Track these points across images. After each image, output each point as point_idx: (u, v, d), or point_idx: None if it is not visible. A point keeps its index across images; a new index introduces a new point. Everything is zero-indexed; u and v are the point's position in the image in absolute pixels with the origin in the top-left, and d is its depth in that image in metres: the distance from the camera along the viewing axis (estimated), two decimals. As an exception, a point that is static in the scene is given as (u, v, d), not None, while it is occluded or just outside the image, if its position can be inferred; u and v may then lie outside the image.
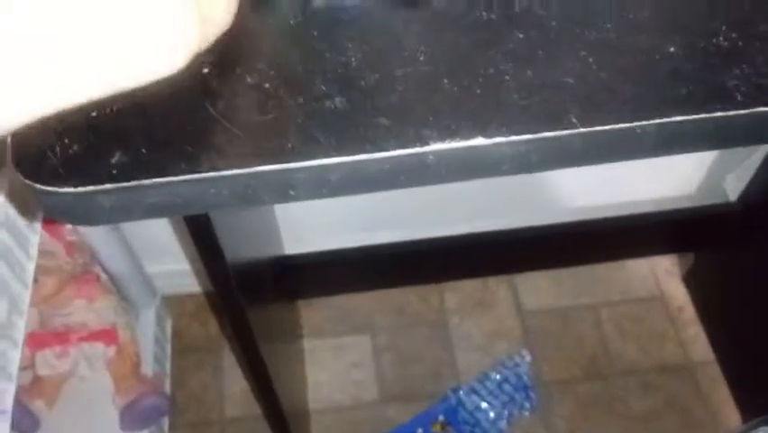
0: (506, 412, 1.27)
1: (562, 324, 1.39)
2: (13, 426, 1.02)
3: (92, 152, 0.30)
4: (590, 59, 0.32)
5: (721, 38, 0.33)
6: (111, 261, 1.22)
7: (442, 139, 0.31)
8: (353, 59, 0.32)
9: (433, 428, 1.27)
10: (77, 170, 0.30)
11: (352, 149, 0.30)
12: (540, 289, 1.43)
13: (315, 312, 1.39)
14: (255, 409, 1.30)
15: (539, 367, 1.34)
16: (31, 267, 0.86)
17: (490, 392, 1.28)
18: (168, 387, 1.29)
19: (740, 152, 1.24)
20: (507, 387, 1.29)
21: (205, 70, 0.31)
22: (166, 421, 1.27)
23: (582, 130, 0.31)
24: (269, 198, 0.31)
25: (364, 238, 1.30)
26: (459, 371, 1.35)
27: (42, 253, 1.10)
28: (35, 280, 1.08)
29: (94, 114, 0.30)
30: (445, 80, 0.32)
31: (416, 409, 1.30)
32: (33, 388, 1.19)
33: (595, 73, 0.32)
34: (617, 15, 0.34)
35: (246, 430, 1.29)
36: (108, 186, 0.30)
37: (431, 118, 0.31)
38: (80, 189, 0.30)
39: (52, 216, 0.31)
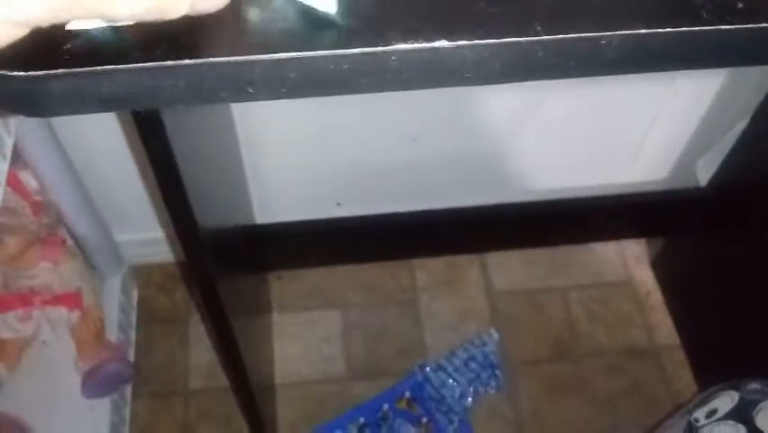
0: (471, 390, 1.27)
1: (530, 305, 1.40)
2: (-28, 388, 1.01)
3: (46, 39, 0.29)
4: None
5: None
6: (78, 224, 1.20)
7: (405, 40, 0.30)
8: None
9: (398, 405, 1.27)
10: (29, 56, 0.29)
11: (312, 46, 0.30)
12: (510, 270, 1.43)
13: (285, 286, 1.38)
14: (220, 382, 1.29)
15: (507, 347, 1.35)
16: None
17: (457, 369, 1.28)
18: (132, 356, 1.28)
19: (712, 135, 1.26)
20: (473, 365, 1.29)
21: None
22: (129, 390, 1.25)
23: (546, 38, 0.31)
24: (225, 95, 0.31)
25: (336, 211, 1.29)
26: (427, 349, 1.35)
27: (7, 210, 1.09)
28: (-1, 239, 1.07)
29: None
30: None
31: (383, 385, 1.30)
32: (-6, 351, 1.17)
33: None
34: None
35: (210, 402, 1.28)
36: (61, 71, 0.29)
37: (395, 20, 0.31)
38: (32, 74, 0.29)
39: (2, 105, 0.30)
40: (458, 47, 0.30)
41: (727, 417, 1.02)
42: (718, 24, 0.32)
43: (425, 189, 1.30)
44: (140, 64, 0.29)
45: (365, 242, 1.35)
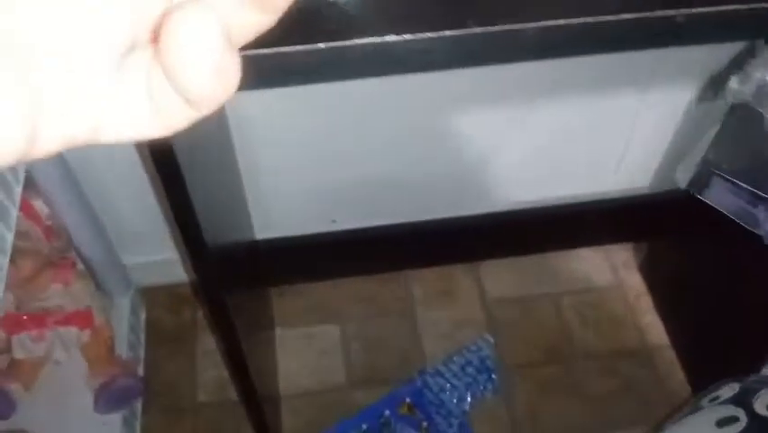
0: (469, 394, 1.32)
1: (524, 311, 1.45)
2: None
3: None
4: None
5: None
6: (87, 247, 1.26)
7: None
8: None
9: (399, 410, 1.31)
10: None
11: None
12: (503, 278, 1.49)
13: (285, 301, 1.44)
14: (227, 395, 1.34)
15: (502, 352, 1.39)
16: (9, 238, 0.90)
17: (454, 375, 1.33)
18: (141, 373, 1.33)
19: (688, 141, 1.31)
20: (470, 370, 1.34)
21: None
22: (139, 405, 1.30)
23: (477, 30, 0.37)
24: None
25: (332, 226, 1.35)
26: (425, 357, 1.39)
27: (20, 234, 1.14)
28: (12, 262, 1.13)
29: None
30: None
31: (383, 393, 1.34)
32: (10, 371, 1.22)
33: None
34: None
35: (218, 415, 1.33)
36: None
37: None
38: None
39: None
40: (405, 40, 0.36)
41: (728, 402, 1.07)
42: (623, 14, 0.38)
43: (418, 203, 1.36)
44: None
45: (361, 255, 1.41)
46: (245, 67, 0.18)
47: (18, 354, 1.22)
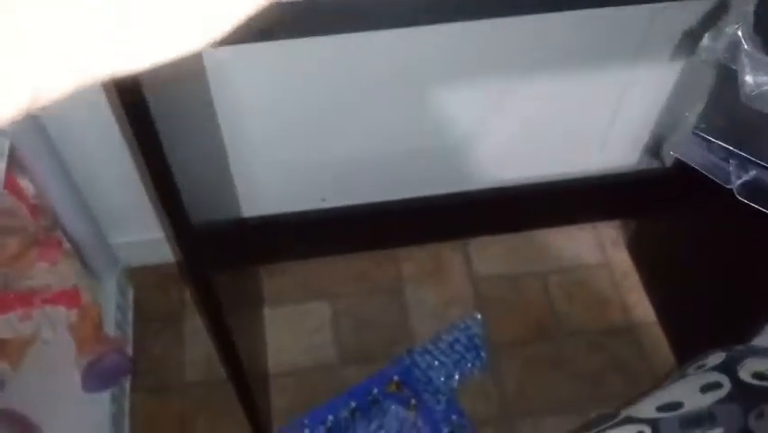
0: (457, 371, 1.32)
1: (512, 289, 1.45)
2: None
3: None
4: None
5: None
6: (73, 226, 1.25)
7: None
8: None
9: (387, 388, 1.32)
10: None
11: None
12: (492, 256, 1.49)
13: (274, 279, 1.44)
14: (215, 374, 1.34)
15: (490, 330, 1.40)
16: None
17: (443, 352, 1.34)
18: (129, 352, 1.32)
19: (674, 118, 1.32)
20: (458, 347, 1.34)
21: None
22: (128, 384, 1.30)
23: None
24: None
25: (321, 204, 1.35)
26: (414, 335, 1.40)
27: (5, 212, 1.14)
28: (-2, 238, 1.12)
29: None
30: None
31: (372, 371, 1.35)
32: (-3, 350, 1.22)
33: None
34: None
35: (206, 394, 1.33)
36: None
37: None
38: None
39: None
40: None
41: (713, 369, 1.09)
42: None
43: (407, 180, 1.36)
44: None
45: (351, 233, 1.41)
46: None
47: (5, 333, 1.22)
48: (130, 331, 1.36)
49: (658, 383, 1.22)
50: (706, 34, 0.46)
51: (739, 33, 0.44)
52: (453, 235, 1.48)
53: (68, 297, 1.23)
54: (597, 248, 1.51)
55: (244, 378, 1.13)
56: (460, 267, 1.48)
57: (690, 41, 1.11)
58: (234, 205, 1.28)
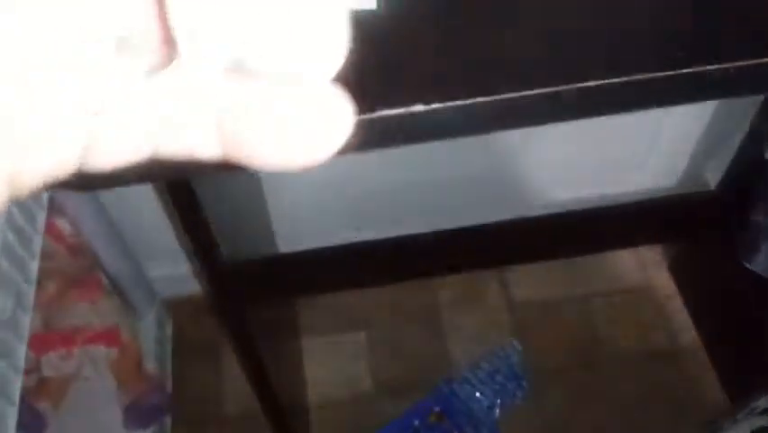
0: (498, 401, 1.31)
1: (552, 315, 1.43)
2: (21, 426, 1.06)
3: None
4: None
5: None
6: (112, 263, 1.26)
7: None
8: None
9: (429, 419, 1.31)
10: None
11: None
12: (530, 282, 1.47)
13: (311, 311, 1.43)
14: (254, 407, 1.33)
15: (531, 357, 1.38)
16: (34, 266, 0.90)
17: (482, 382, 1.32)
18: (169, 386, 1.33)
19: (717, 139, 1.28)
20: (498, 377, 1.32)
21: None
22: (168, 419, 1.30)
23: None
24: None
25: (357, 235, 1.34)
26: (453, 363, 1.38)
27: (44, 255, 1.15)
28: (38, 283, 1.13)
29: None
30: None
31: (411, 401, 1.33)
32: (39, 390, 1.23)
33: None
34: None
35: (246, 427, 1.33)
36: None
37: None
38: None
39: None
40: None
41: (764, 412, 1.07)
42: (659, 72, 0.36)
43: (443, 209, 1.34)
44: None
45: (386, 263, 1.39)
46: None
47: (47, 372, 1.23)
48: (169, 365, 1.36)
49: (706, 424, 1.19)
50: None
51: None
52: (491, 265, 1.45)
53: (109, 335, 1.24)
54: (638, 270, 1.48)
55: (279, 411, 1.13)
56: (497, 293, 1.46)
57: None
58: (270, 240, 1.28)
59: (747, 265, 0.46)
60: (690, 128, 1.29)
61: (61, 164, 0.18)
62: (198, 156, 0.19)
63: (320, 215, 1.31)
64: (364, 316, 1.43)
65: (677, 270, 1.46)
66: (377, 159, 1.23)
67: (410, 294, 1.45)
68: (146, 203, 1.25)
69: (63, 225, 1.19)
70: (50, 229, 1.16)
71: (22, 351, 0.85)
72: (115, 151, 0.18)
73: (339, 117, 0.18)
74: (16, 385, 0.82)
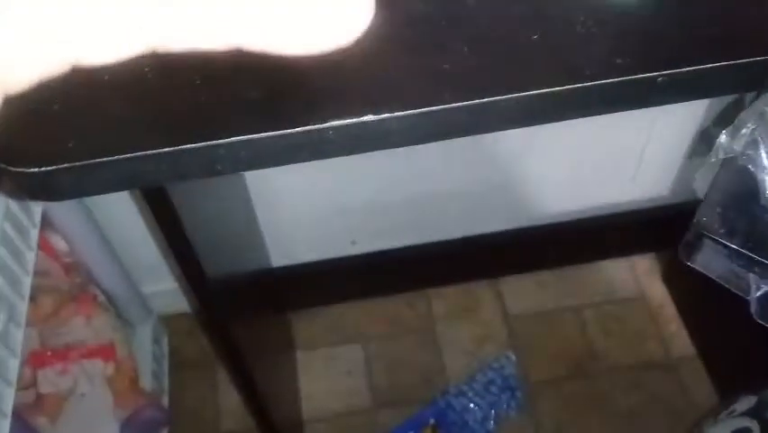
0: (493, 413, 1.31)
1: (546, 326, 1.44)
2: (18, 442, 1.07)
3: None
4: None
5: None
6: (106, 280, 1.27)
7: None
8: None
9: (425, 432, 1.31)
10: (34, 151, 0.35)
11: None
12: (524, 293, 1.47)
13: (306, 324, 1.44)
14: (251, 423, 1.34)
15: (526, 368, 1.38)
16: (27, 281, 0.91)
17: (477, 394, 1.32)
18: (166, 401, 1.34)
19: (705, 149, 1.29)
20: (493, 388, 1.33)
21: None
22: (165, 434, 1.31)
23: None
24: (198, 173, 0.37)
25: (351, 248, 1.35)
26: (448, 375, 1.39)
27: (39, 273, 1.16)
28: (33, 300, 1.14)
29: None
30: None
31: (407, 414, 1.34)
32: (36, 406, 1.24)
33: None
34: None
35: (242, 442, 1.33)
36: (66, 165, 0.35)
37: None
38: (44, 169, 0.35)
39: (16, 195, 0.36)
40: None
41: (744, 414, 1.07)
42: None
43: (436, 221, 1.35)
44: (128, 155, 0.35)
45: (381, 276, 1.40)
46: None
47: (44, 388, 1.24)
48: (166, 380, 1.37)
49: (691, 428, 1.19)
50: (723, 132, 0.45)
51: (757, 133, 0.43)
52: (485, 276, 1.46)
53: (105, 351, 1.25)
54: (631, 279, 1.49)
55: (272, 426, 1.13)
56: (492, 304, 1.46)
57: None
58: (263, 256, 1.29)
59: (688, 263, 0.47)
60: (677, 139, 1.30)
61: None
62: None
63: (314, 228, 1.32)
64: (359, 329, 1.44)
65: (669, 278, 1.46)
66: (370, 171, 1.24)
67: (405, 306, 1.46)
68: (139, 219, 1.26)
69: (57, 242, 1.21)
70: (45, 246, 1.18)
71: (14, 364, 0.86)
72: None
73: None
74: (9, 398, 0.83)
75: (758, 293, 0.50)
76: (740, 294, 0.52)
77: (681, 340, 1.41)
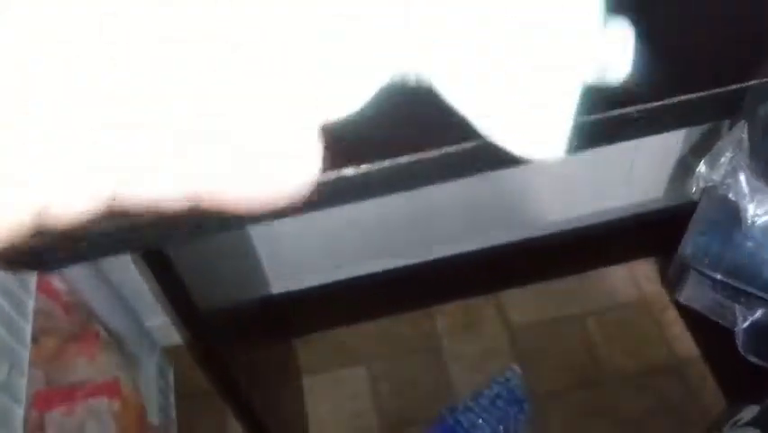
0: (501, 427, 1.31)
1: (550, 336, 1.44)
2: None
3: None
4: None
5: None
6: (109, 317, 1.27)
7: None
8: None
9: (433, 451, 1.31)
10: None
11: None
12: (526, 304, 1.47)
13: (310, 349, 1.44)
14: (260, 450, 1.34)
15: (531, 380, 1.38)
16: (28, 328, 0.91)
17: (485, 409, 1.32)
18: (174, 435, 1.34)
19: (696, 152, 1.30)
20: (500, 402, 1.33)
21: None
22: (175, 469, 1.31)
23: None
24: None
25: (351, 270, 1.35)
26: (455, 392, 1.39)
27: (42, 313, 1.16)
28: (36, 341, 1.14)
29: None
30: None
31: (415, 432, 1.33)
32: (45, 448, 1.24)
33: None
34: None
35: (253, 470, 1.33)
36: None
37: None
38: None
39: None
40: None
41: (748, 424, 1.07)
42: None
43: (434, 238, 1.35)
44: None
45: (382, 296, 1.40)
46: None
47: (49, 430, 1.23)
48: (173, 413, 1.37)
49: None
50: (702, 161, 0.45)
51: (735, 161, 0.43)
52: (486, 290, 1.46)
53: (110, 388, 1.25)
54: (632, 285, 1.49)
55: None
56: (494, 317, 1.47)
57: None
58: (261, 281, 1.29)
59: (677, 298, 0.47)
60: (668, 142, 1.31)
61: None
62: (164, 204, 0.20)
63: (311, 250, 1.32)
64: (364, 350, 1.44)
65: (670, 281, 1.46)
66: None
67: (408, 324, 1.46)
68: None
69: (58, 283, 1.21)
70: (45, 288, 1.18)
71: (19, 413, 0.86)
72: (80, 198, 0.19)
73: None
74: (14, 447, 0.83)
75: (744, 324, 0.50)
76: (726, 326, 0.53)
77: (684, 342, 1.41)
